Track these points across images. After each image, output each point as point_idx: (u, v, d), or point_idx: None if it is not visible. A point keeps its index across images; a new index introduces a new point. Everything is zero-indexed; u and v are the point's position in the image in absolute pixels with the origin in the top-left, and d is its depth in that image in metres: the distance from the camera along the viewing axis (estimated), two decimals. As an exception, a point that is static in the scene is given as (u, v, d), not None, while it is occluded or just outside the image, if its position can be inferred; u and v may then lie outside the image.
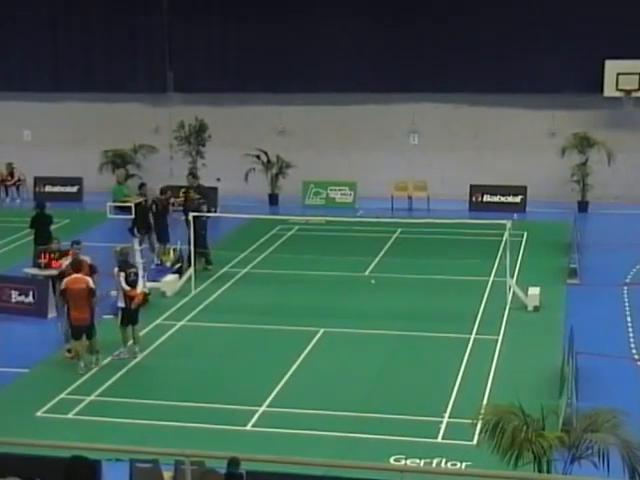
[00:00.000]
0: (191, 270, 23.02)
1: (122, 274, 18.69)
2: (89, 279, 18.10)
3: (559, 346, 17.85)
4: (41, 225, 23.46)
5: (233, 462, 11.29)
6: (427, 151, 33.67)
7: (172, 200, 25.71)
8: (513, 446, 11.21)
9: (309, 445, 14.72)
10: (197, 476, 11.55)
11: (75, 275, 18.07)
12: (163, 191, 25.82)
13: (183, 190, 25.93)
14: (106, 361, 18.35)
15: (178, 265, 24.15)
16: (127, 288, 18.60)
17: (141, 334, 19.18)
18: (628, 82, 31.14)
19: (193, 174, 25.88)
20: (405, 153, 33.79)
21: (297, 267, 24.93)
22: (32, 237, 23.56)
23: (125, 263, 18.91)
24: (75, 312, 17.95)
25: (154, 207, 25.18)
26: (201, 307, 21.74)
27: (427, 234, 27.61)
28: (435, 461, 14.09)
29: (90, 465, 12.06)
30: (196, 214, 23.37)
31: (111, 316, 19.67)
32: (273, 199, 33.62)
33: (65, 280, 18.15)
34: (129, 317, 18.71)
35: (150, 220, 25.01)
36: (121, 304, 18.67)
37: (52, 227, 23.72)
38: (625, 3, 31.25)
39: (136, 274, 19.03)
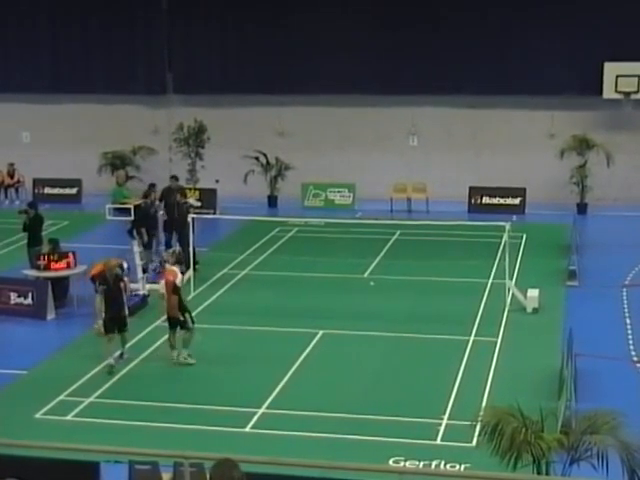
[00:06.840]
0: (190, 272, 23.02)
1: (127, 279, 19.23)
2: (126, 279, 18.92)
3: (558, 348, 17.84)
4: (35, 226, 23.42)
5: (232, 464, 11.26)
6: (426, 153, 33.67)
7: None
8: (512, 448, 11.20)
9: (308, 447, 14.72)
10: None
11: None
12: (184, 194, 25.67)
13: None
14: (105, 364, 18.34)
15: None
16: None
17: (140, 335, 19.28)
18: (627, 84, 31.16)
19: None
20: (404, 155, 33.78)
21: (296, 269, 24.94)
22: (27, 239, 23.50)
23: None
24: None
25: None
26: (200, 309, 21.68)
27: (426, 236, 27.59)
28: (434, 463, 14.09)
29: (89, 467, 12.05)
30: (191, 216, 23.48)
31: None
32: (272, 201, 33.61)
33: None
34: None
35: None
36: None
37: (53, 228, 23.67)
38: (624, 6, 31.27)
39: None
